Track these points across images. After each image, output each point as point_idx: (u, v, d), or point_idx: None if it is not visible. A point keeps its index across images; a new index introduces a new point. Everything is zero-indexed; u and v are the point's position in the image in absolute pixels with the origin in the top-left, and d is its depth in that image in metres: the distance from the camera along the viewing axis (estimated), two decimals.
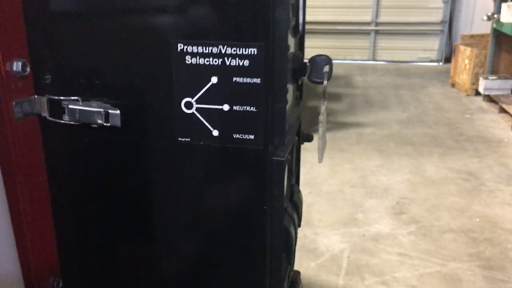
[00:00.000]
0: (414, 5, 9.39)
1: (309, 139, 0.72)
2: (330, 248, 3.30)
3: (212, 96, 0.54)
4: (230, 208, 0.59)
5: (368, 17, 9.67)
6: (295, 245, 0.70)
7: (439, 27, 9.50)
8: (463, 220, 3.63)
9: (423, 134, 5.51)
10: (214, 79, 0.52)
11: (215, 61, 0.52)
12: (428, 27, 9.53)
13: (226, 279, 0.62)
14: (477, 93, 6.86)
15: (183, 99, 0.54)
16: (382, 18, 9.64)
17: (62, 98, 0.54)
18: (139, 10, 0.53)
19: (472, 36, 7.34)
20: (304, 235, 3.46)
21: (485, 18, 6.36)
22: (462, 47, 7.17)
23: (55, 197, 0.60)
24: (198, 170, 0.57)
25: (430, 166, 4.64)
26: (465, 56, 6.99)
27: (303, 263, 3.12)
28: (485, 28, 7.03)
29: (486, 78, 6.45)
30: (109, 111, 0.55)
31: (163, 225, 0.58)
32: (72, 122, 0.55)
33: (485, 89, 6.46)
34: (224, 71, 0.51)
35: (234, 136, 0.55)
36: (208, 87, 0.53)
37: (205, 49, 0.52)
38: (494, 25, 6.41)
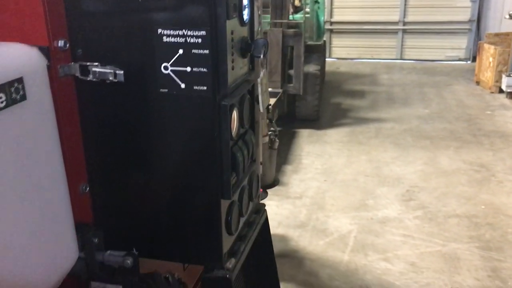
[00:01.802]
0: (441, 4, 9.47)
1: (257, 100, 1.02)
2: (339, 229, 3.57)
3: (180, 62, 0.86)
4: (194, 136, 0.91)
5: (395, 17, 9.81)
6: (244, 168, 1.01)
7: (467, 26, 9.54)
8: (468, 207, 3.83)
9: (442, 129, 5.66)
10: (180, 51, 0.85)
11: (181, 39, 0.84)
12: (456, 26, 9.59)
13: (193, 186, 0.94)
14: (501, 90, 6.92)
15: (162, 64, 0.87)
16: (410, 17, 9.76)
17: (88, 64, 0.88)
18: (136, 10, 0.85)
19: (497, 35, 7.41)
20: (316, 217, 3.75)
21: (507, 16, 6.44)
22: (486, 45, 7.25)
23: (84, 128, 0.93)
24: (173, 111, 0.89)
25: (445, 158, 4.82)
26: (489, 54, 7.08)
27: (313, 241, 3.41)
28: None
29: (509, 76, 6.53)
30: (116, 71, 0.88)
31: (153, 145, 0.92)
32: (94, 79, 0.89)
33: (507, 86, 6.54)
34: (186, 46, 0.84)
35: (194, 88, 0.87)
36: (177, 56, 0.86)
37: (175, 32, 0.85)
38: None
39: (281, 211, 3.85)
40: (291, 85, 5.43)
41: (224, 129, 0.90)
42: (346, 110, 6.54)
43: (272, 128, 4.06)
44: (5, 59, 0.65)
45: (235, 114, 0.95)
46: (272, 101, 4.83)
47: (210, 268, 1.02)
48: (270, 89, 5.13)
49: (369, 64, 9.63)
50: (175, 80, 0.87)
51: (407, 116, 6.17)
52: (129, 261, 0.94)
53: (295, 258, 3.22)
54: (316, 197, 4.09)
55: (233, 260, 1.03)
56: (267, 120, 3.87)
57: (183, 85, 0.87)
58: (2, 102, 0.62)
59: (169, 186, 0.96)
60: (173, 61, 0.86)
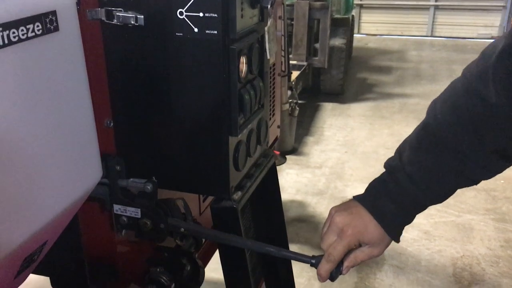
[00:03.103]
0: None
1: (265, 48, 1.11)
2: None
3: (193, 7, 0.96)
4: (206, 77, 1.01)
5: None
6: (251, 109, 1.11)
7: (501, 3, 9.28)
8: (487, 181, 3.84)
9: None
10: None
11: None
12: (490, 2, 9.33)
13: (204, 123, 1.05)
14: None
15: (177, 9, 0.97)
16: None
17: (112, 8, 0.99)
18: None
19: None
20: (334, 186, 3.84)
21: None
22: None
23: (109, 69, 1.06)
24: (187, 53, 1.00)
25: None
26: None
27: (330, 208, 3.51)
28: None
29: None
30: (137, 15, 0.99)
31: (170, 85, 1.03)
32: (118, 23, 1.00)
33: None
34: None
35: (206, 32, 0.97)
36: (191, 2, 0.96)
37: None
38: None
39: (300, 179, 3.96)
40: (316, 58, 5.46)
41: (233, 71, 1.00)
42: (372, 85, 6.53)
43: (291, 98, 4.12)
44: None
45: (243, 59, 1.05)
46: (296, 73, 4.89)
47: (219, 199, 1.14)
48: (294, 62, 5.19)
49: (398, 41, 9.51)
50: (189, 25, 0.97)
51: (433, 93, 6.09)
52: (149, 187, 1.06)
53: (312, 222, 3.34)
54: (335, 167, 4.17)
55: (239, 193, 1.14)
56: (288, 89, 3.94)
57: (196, 29, 0.97)
58: (38, 30, 0.74)
59: (184, 123, 1.07)
60: (187, 7, 0.96)
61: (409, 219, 1.07)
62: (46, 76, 0.80)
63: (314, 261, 1.08)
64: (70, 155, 0.86)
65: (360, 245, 1.07)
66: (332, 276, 1.07)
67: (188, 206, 1.17)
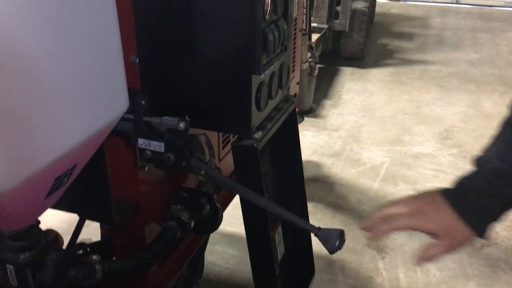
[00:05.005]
0: None
1: None
2: (372, 160, 3.67)
3: None
4: (231, 15, 1.02)
5: None
6: (275, 50, 1.12)
7: None
8: None
9: (490, 74, 5.52)
10: None
11: None
12: None
13: (229, 61, 1.06)
14: None
15: None
16: None
17: None
18: None
19: None
20: (350, 148, 3.85)
21: None
22: None
23: (136, 8, 1.07)
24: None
25: (489, 102, 4.74)
26: None
27: (345, 169, 3.54)
28: None
29: None
30: None
31: (195, 23, 1.04)
32: None
33: None
34: None
35: None
36: None
37: None
38: None
39: (316, 141, 3.97)
40: (337, 21, 5.37)
41: (258, 9, 1.01)
42: (392, 51, 6.43)
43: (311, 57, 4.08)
44: None
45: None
46: (317, 36, 4.83)
47: (240, 138, 1.17)
48: (315, 24, 5.11)
49: (423, 7, 9.26)
50: None
51: (456, 60, 6.02)
52: (182, 124, 1.07)
53: (327, 182, 3.37)
54: (352, 130, 4.17)
55: (260, 133, 1.17)
56: (308, 50, 3.90)
57: None
58: None
59: (208, 61, 1.08)
60: None
61: (495, 216, 1.01)
62: (78, 5, 0.82)
63: (320, 233, 1.08)
64: (100, 83, 0.89)
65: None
66: (333, 249, 1.07)
67: (210, 142, 1.20)
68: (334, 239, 1.06)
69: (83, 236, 1.54)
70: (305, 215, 1.52)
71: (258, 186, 1.19)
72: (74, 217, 1.44)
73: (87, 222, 1.53)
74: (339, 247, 1.07)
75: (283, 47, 1.19)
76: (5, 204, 0.79)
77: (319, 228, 1.09)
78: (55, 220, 1.45)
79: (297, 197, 1.49)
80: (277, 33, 1.11)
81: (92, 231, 1.81)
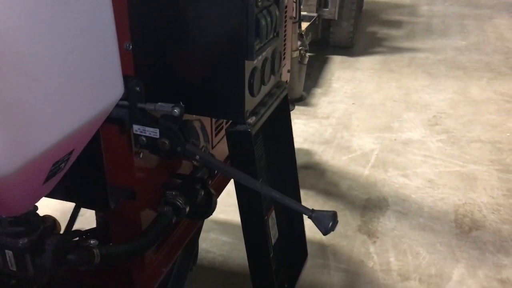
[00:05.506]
0: None
1: None
2: (362, 147, 3.71)
3: None
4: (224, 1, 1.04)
5: None
6: (267, 35, 1.13)
7: None
8: (493, 134, 3.87)
9: (477, 61, 5.57)
10: None
11: None
12: None
13: (222, 47, 1.07)
14: None
15: None
16: None
17: None
18: None
19: None
20: (341, 135, 3.88)
21: None
22: None
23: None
24: None
25: (476, 88, 4.80)
26: None
27: (336, 156, 3.57)
28: None
29: None
30: None
31: (188, 10, 1.05)
32: None
33: None
34: None
35: None
36: None
37: None
38: None
39: (307, 129, 4.00)
40: (327, 9, 5.38)
41: None
42: (381, 39, 6.46)
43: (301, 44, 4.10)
44: None
45: None
46: (306, 25, 4.83)
47: (234, 124, 1.18)
48: (305, 13, 5.12)
49: None
50: None
51: (443, 47, 6.06)
52: (176, 110, 1.09)
53: (318, 169, 3.40)
54: (342, 118, 4.20)
55: (254, 118, 1.18)
56: (298, 38, 3.91)
57: None
58: None
59: (201, 47, 1.10)
60: None
61: None
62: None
63: (313, 215, 1.10)
64: (95, 70, 0.90)
65: None
66: (326, 230, 1.09)
67: (205, 127, 1.22)
68: (327, 221, 1.08)
69: (76, 226, 1.56)
70: (298, 199, 1.55)
71: (252, 170, 1.21)
72: (67, 207, 1.45)
73: (80, 212, 1.54)
74: (332, 229, 1.09)
75: (275, 33, 1.21)
76: (4, 189, 0.80)
77: (313, 210, 1.11)
78: (48, 209, 1.46)
79: (290, 181, 1.51)
80: (269, 19, 1.13)
81: (84, 221, 1.82)
